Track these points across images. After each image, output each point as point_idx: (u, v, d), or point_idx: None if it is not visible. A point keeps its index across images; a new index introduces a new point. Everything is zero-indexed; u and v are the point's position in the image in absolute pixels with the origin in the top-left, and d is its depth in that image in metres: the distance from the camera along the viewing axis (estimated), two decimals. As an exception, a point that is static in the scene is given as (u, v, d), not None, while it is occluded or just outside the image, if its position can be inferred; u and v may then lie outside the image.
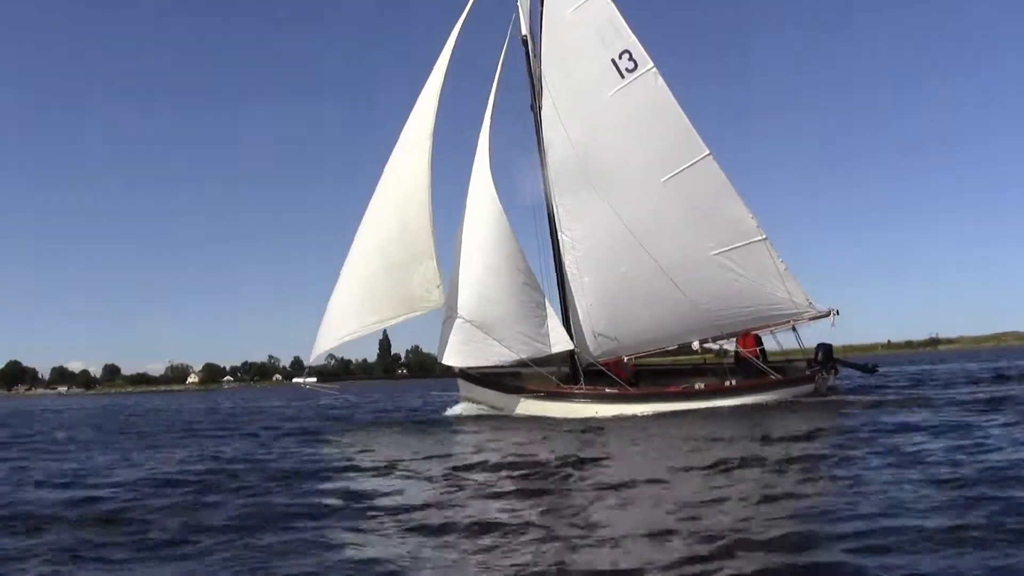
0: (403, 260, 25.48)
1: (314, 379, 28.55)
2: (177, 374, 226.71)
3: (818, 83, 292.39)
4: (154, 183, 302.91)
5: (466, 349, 25.87)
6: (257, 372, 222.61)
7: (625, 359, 26.17)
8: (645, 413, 23.90)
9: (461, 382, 27.04)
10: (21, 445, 23.90)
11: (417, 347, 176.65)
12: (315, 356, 27.63)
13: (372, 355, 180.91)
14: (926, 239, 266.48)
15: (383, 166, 26.30)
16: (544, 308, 25.74)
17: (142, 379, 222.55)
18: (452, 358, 26.10)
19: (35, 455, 20.21)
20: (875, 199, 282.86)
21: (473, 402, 26.77)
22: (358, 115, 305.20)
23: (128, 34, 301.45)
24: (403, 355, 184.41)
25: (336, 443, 20.82)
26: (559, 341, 25.76)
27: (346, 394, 35.69)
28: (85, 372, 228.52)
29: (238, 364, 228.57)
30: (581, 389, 25.51)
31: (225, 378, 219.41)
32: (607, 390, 25.29)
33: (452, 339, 25.98)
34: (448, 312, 26.06)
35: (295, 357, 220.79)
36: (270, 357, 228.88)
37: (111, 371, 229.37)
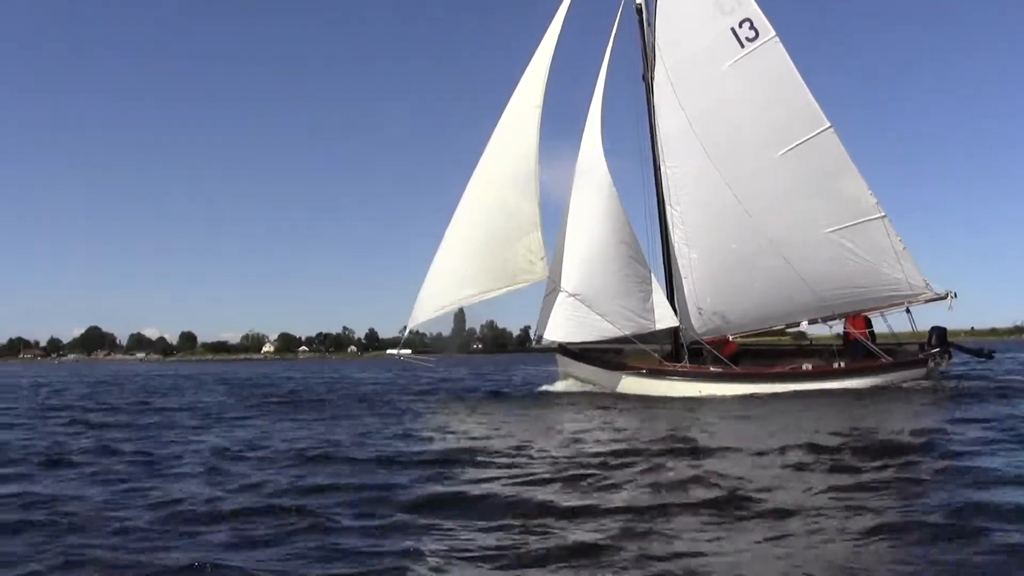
0: (507, 231, 25.04)
1: (408, 351, 28.51)
2: (253, 343, 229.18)
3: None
4: (224, 151, 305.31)
5: (569, 324, 25.41)
6: (333, 343, 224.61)
7: (730, 338, 25.62)
8: (750, 393, 23.36)
9: (560, 358, 26.70)
10: (198, 414, 22.91)
11: (492, 322, 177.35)
12: (414, 325, 27.39)
13: (447, 328, 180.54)
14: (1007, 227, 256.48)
15: (482, 138, 25.89)
16: (650, 283, 25.26)
17: (221, 347, 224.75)
18: (554, 332, 25.67)
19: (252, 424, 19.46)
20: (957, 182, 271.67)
21: (573, 378, 26.44)
22: (447, 103, 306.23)
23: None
24: (478, 329, 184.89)
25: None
26: (664, 317, 25.27)
27: (437, 367, 35.29)
28: (162, 339, 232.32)
29: (312, 335, 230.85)
30: (685, 367, 25.03)
31: (300, 348, 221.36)
32: (711, 368, 24.80)
33: (555, 313, 25.52)
34: (551, 285, 25.61)
35: (370, 329, 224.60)
36: (344, 328, 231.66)
37: (188, 339, 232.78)
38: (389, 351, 30.08)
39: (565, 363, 26.67)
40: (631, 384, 25.05)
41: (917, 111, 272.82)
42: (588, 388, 25.82)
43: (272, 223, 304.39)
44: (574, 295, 25.19)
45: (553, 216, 26.29)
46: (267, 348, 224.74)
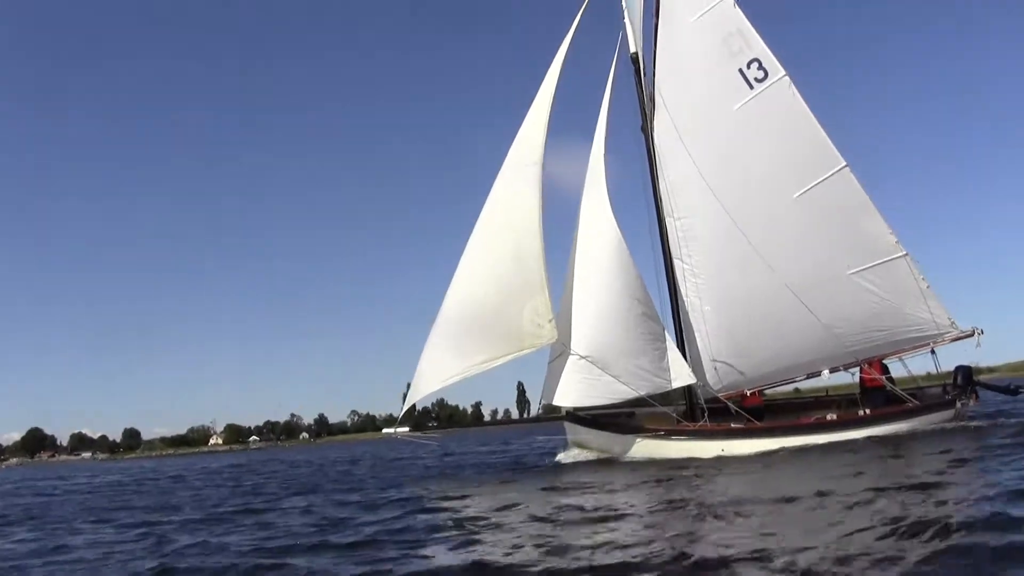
0: (512, 294, 23.81)
1: (406, 429, 27.12)
2: (199, 435, 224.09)
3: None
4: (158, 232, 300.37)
5: (581, 387, 24.24)
6: (283, 431, 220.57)
7: (748, 392, 24.63)
8: (776, 448, 22.32)
9: (569, 425, 25.49)
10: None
11: (442, 400, 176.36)
12: (416, 399, 26.05)
13: (396, 409, 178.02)
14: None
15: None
16: (663, 340, 24.20)
17: (182, 441, 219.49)
18: (565, 398, 24.47)
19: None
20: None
21: (583, 447, 25.18)
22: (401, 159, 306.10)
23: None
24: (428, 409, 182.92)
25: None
26: (680, 375, 24.20)
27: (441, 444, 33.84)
28: (104, 437, 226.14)
29: (259, 424, 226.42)
30: (705, 425, 23.94)
31: (251, 438, 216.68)
32: (733, 425, 23.73)
33: (565, 377, 24.33)
34: (559, 349, 24.46)
35: (320, 414, 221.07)
36: (292, 415, 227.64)
37: (131, 435, 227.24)
38: (385, 430, 28.51)
39: (575, 430, 25.42)
40: (648, 448, 23.90)
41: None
42: (601, 456, 24.56)
43: (208, 314, 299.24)
44: (585, 357, 24.05)
45: (556, 273, 25.15)
46: (214, 440, 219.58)
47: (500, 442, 50.51)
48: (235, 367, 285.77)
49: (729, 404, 24.11)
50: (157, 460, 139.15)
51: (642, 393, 23.99)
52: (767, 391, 25.37)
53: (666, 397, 24.97)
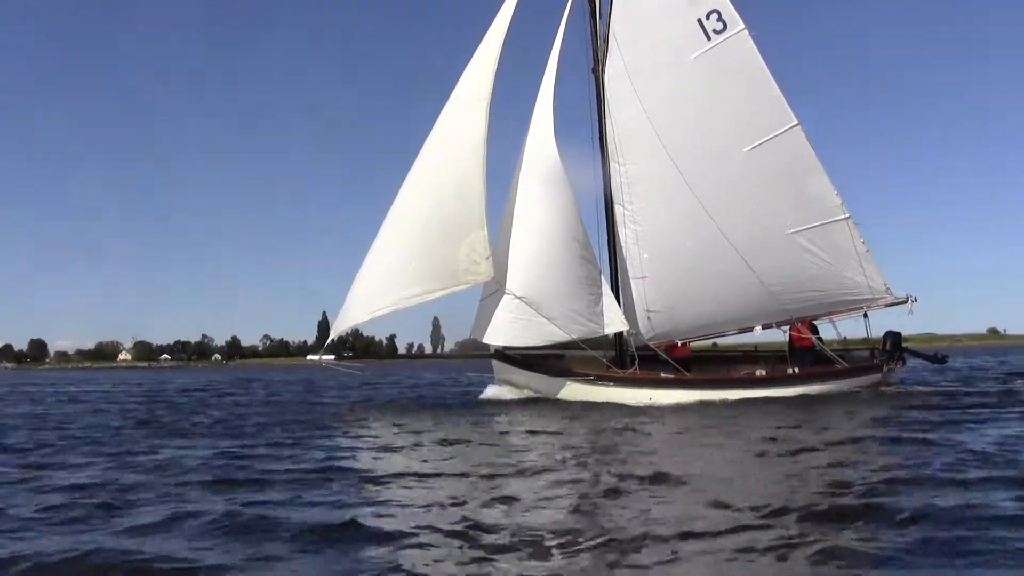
0: (450, 229, 23.34)
1: (332, 357, 26.74)
2: (108, 350, 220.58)
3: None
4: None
5: (513, 327, 23.94)
6: (194, 351, 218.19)
7: (678, 343, 24.61)
8: (703, 400, 22.35)
9: (498, 364, 25.26)
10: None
11: (358, 331, 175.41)
12: (342, 330, 25.76)
13: (311, 336, 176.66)
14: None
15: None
16: (600, 285, 23.98)
17: (99, 355, 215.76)
18: (496, 336, 24.21)
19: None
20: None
21: (511, 385, 24.96)
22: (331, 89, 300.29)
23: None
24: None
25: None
26: (613, 321, 24.03)
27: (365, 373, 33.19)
28: (9, 347, 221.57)
29: (169, 343, 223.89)
30: (635, 373, 23.86)
31: (163, 356, 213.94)
32: (663, 375, 23.69)
33: (497, 316, 24.02)
34: (493, 287, 24.10)
35: (232, 336, 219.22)
36: (204, 336, 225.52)
37: (38, 346, 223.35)
38: (310, 357, 28.03)
39: (503, 369, 25.18)
40: (577, 391, 23.80)
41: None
42: (527, 395, 24.39)
43: (125, 221, 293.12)
44: (520, 297, 23.72)
45: (494, 211, 24.70)
46: (123, 356, 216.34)
47: (423, 377, 50.16)
48: (145, 285, 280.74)
49: (659, 353, 24.05)
50: (85, 372, 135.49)
51: (574, 337, 23.79)
52: (695, 343, 25.36)
53: (597, 342, 24.83)
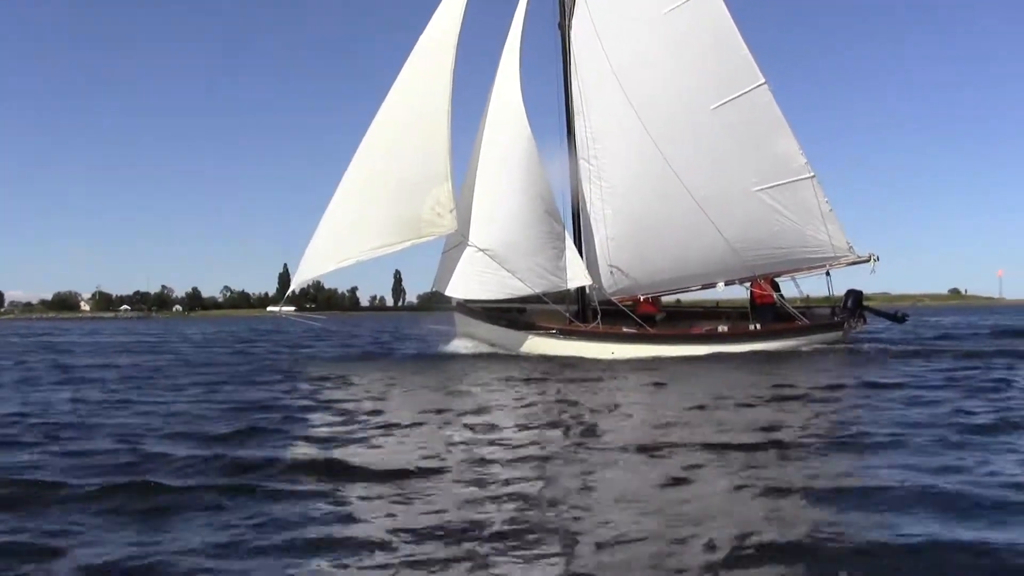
0: (415, 180, 23.07)
1: (292, 308, 26.58)
2: (67, 300, 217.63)
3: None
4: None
5: (476, 280, 23.79)
6: (154, 302, 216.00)
7: (641, 298, 24.61)
8: (665, 355, 22.41)
9: (460, 316, 25.14)
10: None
11: (319, 283, 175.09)
12: (303, 281, 25.57)
13: (272, 288, 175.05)
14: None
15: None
16: (563, 240, 23.86)
17: (62, 304, 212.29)
18: (458, 289, 24.04)
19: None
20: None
21: (473, 338, 24.87)
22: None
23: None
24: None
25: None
26: (577, 276, 23.97)
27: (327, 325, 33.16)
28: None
29: (128, 294, 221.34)
30: (597, 327, 23.86)
31: (123, 307, 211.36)
32: (625, 329, 23.71)
33: (460, 268, 23.83)
34: (456, 240, 23.94)
35: (193, 288, 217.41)
36: (163, 287, 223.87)
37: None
38: (270, 308, 27.78)
39: (465, 322, 25.08)
40: (538, 345, 23.77)
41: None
42: (488, 349, 24.34)
43: (74, 165, 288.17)
44: (483, 249, 23.54)
45: (459, 162, 24.43)
46: (84, 308, 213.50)
47: (389, 329, 49.95)
48: (103, 235, 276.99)
49: (623, 307, 24.05)
50: (53, 323, 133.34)
51: (537, 291, 23.72)
52: (662, 299, 25.40)
53: (560, 297, 24.79)
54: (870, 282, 24.87)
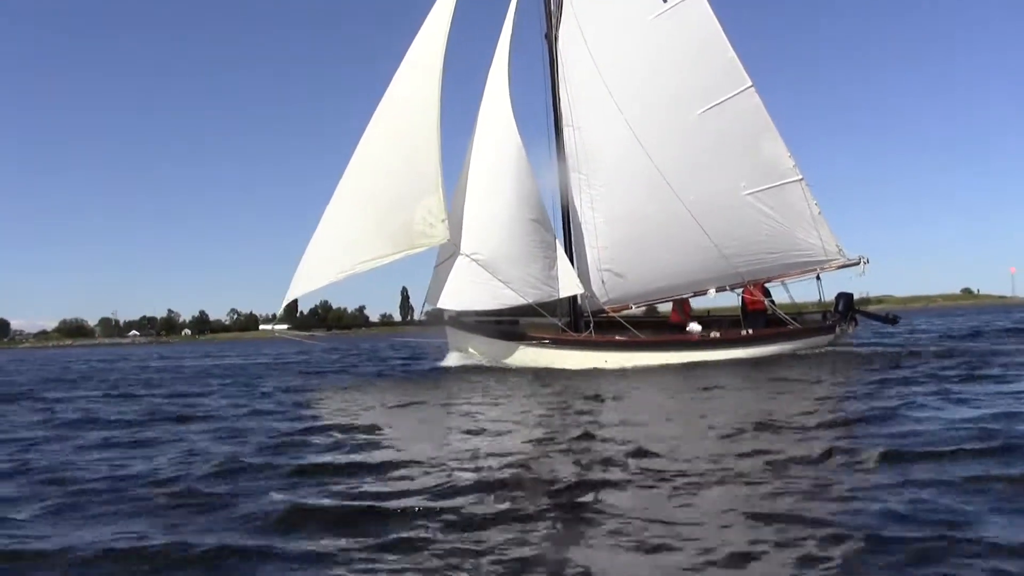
0: (406, 192, 23.11)
1: (285, 326, 26.64)
2: (87, 329, 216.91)
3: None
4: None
5: (470, 290, 23.78)
6: (162, 327, 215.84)
7: (633, 307, 24.73)
8: (658, 363, 22.52)
9: (451, 330, 25.14)
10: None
11: (325, 301, 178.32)
12: (294, 296, 25.42)
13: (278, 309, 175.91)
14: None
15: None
16: (554, 249, 23.89)
17: (79, 331, 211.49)
18: (452, 300, 24.02)
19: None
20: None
21: (463, 352, 24.90)
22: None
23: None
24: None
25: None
26: (568, 285, 23.98)
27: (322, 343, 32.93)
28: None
29: (134, 319, 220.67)
30: (590, 336, 23.93)
31: (131, 332, 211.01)
32: (617, 337, 23.79)
33: (453, 279, 23.78)
34: (448, 253, 24.00)
35: (200, 311, 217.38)
36: (169, 311, 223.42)
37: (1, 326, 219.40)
38: (263, 326, 27.94)
39: (457, 335, 25.10)
40: (531, 356, 23.81)
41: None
42: (482, 362, 24.36)
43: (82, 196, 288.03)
44: (475, 260, 23.59)
45: (450, 173, 24.51)
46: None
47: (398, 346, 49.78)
48: (103, 263, 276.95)
49: (617, 317, 24.17)
50: (79, 350, 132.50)
51: (529, 301, 23.71)
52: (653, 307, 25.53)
53: (552, 308, 24.82)
54: (874, 285, 24.96)
